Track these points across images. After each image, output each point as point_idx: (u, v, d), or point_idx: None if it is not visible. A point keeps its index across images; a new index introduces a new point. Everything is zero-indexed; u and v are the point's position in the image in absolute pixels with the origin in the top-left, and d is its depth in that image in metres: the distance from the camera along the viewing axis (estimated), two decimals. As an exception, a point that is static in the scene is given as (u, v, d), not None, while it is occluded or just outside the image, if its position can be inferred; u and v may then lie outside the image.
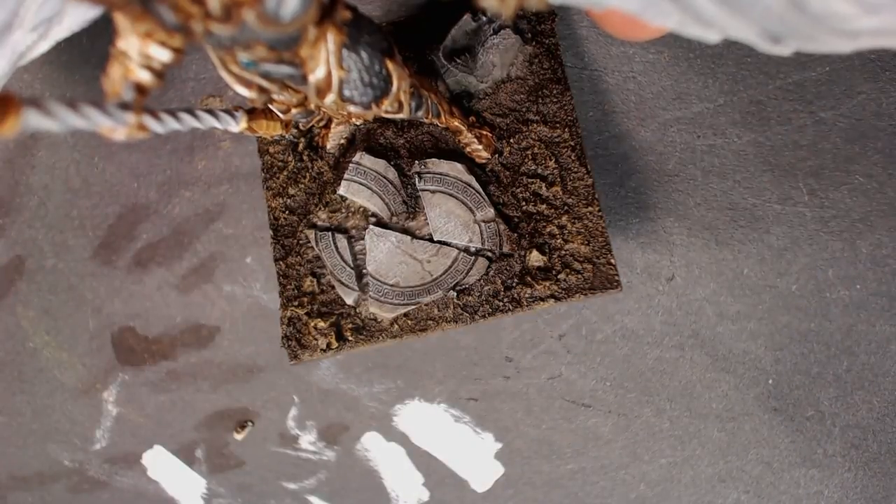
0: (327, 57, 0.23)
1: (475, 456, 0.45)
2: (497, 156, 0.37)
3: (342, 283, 0.37)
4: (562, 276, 0.36)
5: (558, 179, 0.37)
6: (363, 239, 0.37)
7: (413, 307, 0.36)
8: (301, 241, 0.38)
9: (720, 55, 0.42)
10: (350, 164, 0.37)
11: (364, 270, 0.37)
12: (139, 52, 0.19)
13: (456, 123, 0.36)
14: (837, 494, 0.42)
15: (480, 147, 0.37)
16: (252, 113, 0.28)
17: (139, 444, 0.47)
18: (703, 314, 0.42)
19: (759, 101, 0.42)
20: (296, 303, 0.38)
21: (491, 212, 0.36)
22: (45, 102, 0.17)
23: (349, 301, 0.37)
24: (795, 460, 0.42)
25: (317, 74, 0.24)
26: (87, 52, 0.47)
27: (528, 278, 0.36)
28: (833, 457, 0.42)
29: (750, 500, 0.42)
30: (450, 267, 0.36)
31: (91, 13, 0.31)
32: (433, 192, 0.36)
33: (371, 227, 0.37)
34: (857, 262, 0.41)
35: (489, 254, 0.36)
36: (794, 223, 0.41)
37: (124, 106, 0.20)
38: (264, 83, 0.25)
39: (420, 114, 0.32)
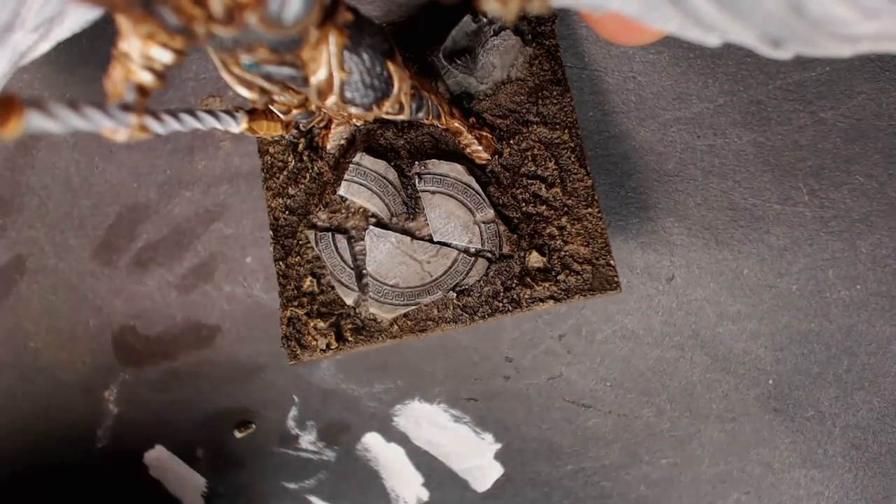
0: (329, 59, 0.23)
1: (475, 456, 0.45)
2: (497, 157, 0.37)
3: (342, 284, 0.37)
4: (561, 277, 0.36)
5: (558, 180, 0.37)
6: (363, 239, 0.37)
7: (413, 308, 0.36)
8: (301, 242, 0.38)
9: (720, 55, 0.42)
10: (350, 165, 0.37)
11: (364, 271, 0.37)
12: (141, 53, 0.19)
13: (456, 125, 0.36)
14: (838, 495, 0.42)
15: (480, 148, 0.37)
16: (253, 114, 0.28)
17: (140, 444, 0.47)
18: (704, 314, 0.42)
19: (759, 101, 0.42)
20: (295, 303, 0.38)
21: (491, 213, 0.36)
22: (47, 104, 0.17)
23: (349, 301, 0.37)
24: (796, 461, 0.42)
25: (318, 76, 0.24)
26: (87, 52, 0.47)
27: (528, 279, 0.36)
28: (833, 457, 0.42)
29: (750, 500, 0.42)
30: (449, 268, 0.36)
31: (92, 14, 0.31)
32: (433, 192, 0.36)
33: (371, 227, 0.37)
34: (857, 262, 0.41)
35: (489, 255, 0.36)
36: (794, 223, 0.41)
37: (126, 107, 0.20)
38: (266, 84, 0.25)
39: (421, 115, 0.32)
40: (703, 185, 0.42)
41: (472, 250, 0.36)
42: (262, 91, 0.25)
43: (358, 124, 0.38)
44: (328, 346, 0.37)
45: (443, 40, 0.38)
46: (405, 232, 0.37)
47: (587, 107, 0.43)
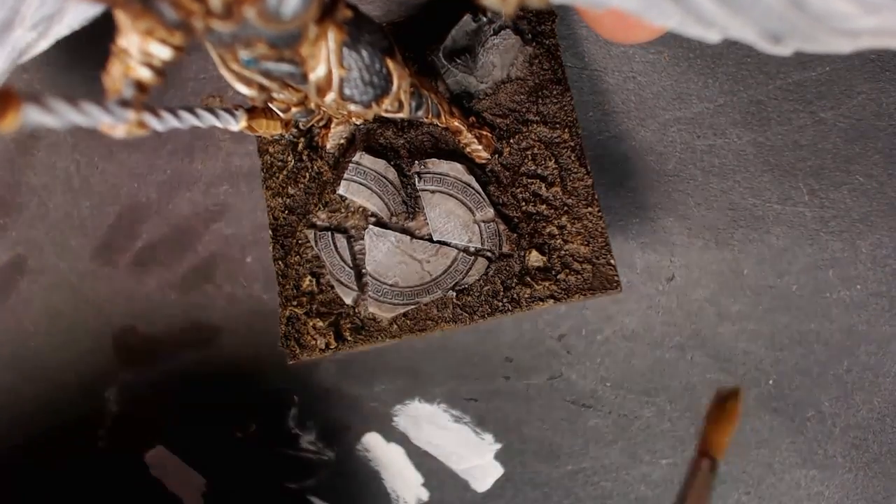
0: (328, 55, 0.23)
1: (475, 456, 0.45)
2: (497, 156, 0.37)
3: (341, 283, 0.37)
4: (561, 276, 0.36)
5: (558, 180, 0.37)
6: (362, 239, 0.37)
7: (412, 307, 0.36)
8: (300, 241, 0.38)
9: (720, 55, 0.42)
10: (350, 164, 0.37)
11: (363, 270, 0.37)
12: (140, 49, 0.19)
13: (456, 123, 0.36)
14: (838, 495, 0.42)
15: (480, 147, 0.37)
16: (252, 112, 0.28)
17: (141, 444, 0.47)
18: (704, 314, 0.42)
19: (759, 101, 0.42)
20: (294, 302, 0.38)
21: (490, 212, 0.36)
22: (44, 98, 0.17)
23: (348, 301, 0.37)
24: (796, 461, 0.42)
25: (317, 73, 0.24)
26: (85, 49, 0.47)
27: (528, 278, 0.36)
28: (834, 457, 0.42)
29: (751, 501, 0.42)
30: (449, 267, 0.36)
31: (92, 11, 0.31)
32: (433, 192, 0.36)
33: (370, 226, 0.37)
34: (857, 262, 0.41)
35: (489, 254, 0.36)
36: (794, 223, 0.41)
37: (124, 103, 0.20)
38: (265, 81, 0.25)
39: (420, 113, 0.32)
40: (703, 185, 0.42)
41: (472, 249, 0.36)
42: (261, 88, 0.25)
43: (357, 123, 0.38)
44: (327, 345, 0.37)
45: (443, 39, 0.38)
46: (405, 231, 0.37)
47: (587, 107, 0.43)
